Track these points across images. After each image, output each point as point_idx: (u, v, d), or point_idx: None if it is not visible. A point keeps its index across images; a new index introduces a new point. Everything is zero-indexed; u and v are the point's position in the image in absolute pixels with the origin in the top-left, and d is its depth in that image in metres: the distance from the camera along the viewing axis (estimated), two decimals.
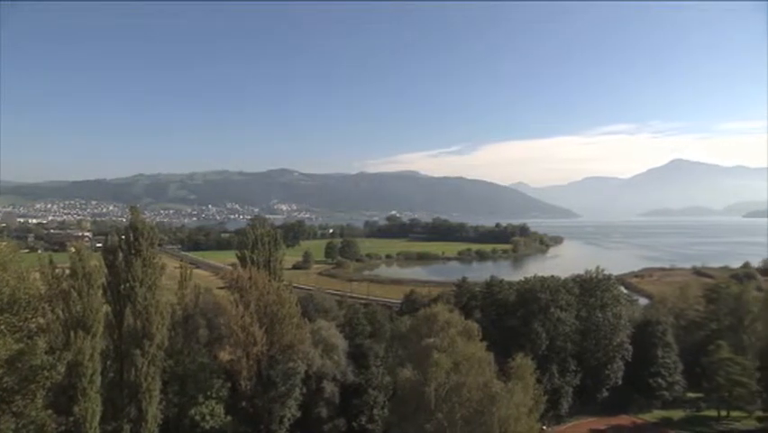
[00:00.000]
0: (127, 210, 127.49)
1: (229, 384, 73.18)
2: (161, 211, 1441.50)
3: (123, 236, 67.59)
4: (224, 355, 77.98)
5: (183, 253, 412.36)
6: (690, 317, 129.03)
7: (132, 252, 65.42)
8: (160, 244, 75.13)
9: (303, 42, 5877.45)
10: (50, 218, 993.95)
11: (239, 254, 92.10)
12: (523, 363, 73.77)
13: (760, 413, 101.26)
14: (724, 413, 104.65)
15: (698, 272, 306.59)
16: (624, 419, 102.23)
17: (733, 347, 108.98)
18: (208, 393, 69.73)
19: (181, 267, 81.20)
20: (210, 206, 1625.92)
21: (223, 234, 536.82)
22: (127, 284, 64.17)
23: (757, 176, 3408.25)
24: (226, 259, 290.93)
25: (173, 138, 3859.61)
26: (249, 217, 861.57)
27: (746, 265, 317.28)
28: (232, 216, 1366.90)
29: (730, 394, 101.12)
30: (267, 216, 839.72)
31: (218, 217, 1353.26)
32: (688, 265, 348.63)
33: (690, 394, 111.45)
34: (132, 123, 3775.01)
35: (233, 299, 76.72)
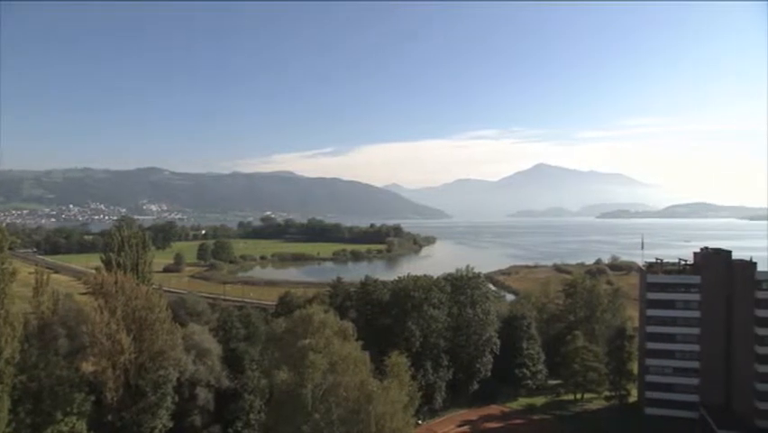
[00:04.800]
0: None
1: (93, 398, 68.23)
2: (14, 211, 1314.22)
3: None
4: (88, 366, 72.85)
5: (39, 256, 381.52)
6: (552, 310, 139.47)
7: None
8: (10, 248, 68.34)
9: (172, 40, 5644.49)
10: None
11: (104, 257, 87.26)
12: (398, 360, 75.81)
13: (607, 393, 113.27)
14: (579, 396, 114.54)
15: (558, 269, 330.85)
16: (493, 409, 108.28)
17: (587, 336, 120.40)
18: (68, 409, 64.56)
19: (37, 272, 75.05)
20: (71, 206, 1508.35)
21: (86, 237, 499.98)
22: None
23: (608, 180, 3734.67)
24: (90, 262, 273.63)
25: (26, 132, 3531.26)
26: (115, 218, 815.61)
27: (599, 261, 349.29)
28: (96, 217, 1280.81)
29: (584, 378, 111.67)
30: (135, 217, 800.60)
31: (81, 218, 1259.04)
32: (549, 262, 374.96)
33: (552, 381, 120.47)
34: None
35: (98, 306, 71.73)
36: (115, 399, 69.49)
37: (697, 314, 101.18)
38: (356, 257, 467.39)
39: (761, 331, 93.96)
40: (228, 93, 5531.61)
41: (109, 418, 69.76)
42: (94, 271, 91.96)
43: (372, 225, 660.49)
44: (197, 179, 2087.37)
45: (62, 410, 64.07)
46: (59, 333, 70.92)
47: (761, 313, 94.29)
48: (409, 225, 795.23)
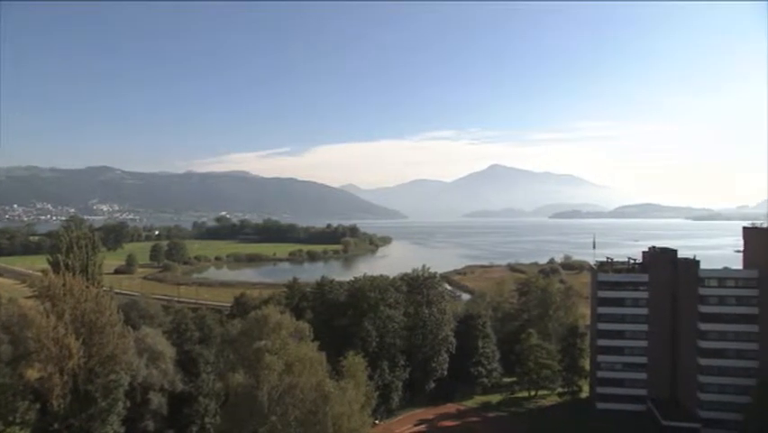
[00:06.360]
0: None
1: (38, 405, 65.85)
2: None
3: None
4: (33, 373, 70.11)
5: None
6: (506, 309, 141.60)
7: None
8: None
9: (125, 38, 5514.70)
10: None
11: (51, 259, 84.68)
12: (354, 361, 76.06)
13: (560, 389, 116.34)
14: (533, 393, 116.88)
15: (512, 268, 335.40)
16: (449, 408, 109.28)
17: (541, 334, 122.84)
18: (10, 418, 62.07)
19: None
20: (15, 205, 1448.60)
21: (31, 238, 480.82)
22: None
23: (561, 181, 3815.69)
24: (36, 264, 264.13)
25: None
26: (63, 219, 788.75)
27: (552, 261, 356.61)
28: (42, 218, 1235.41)
29: (538, 376, 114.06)
30: (85, 218, 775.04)
31: (26, 218, 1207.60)
32: (504, 262, 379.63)
33: (507, 379, 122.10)
34: None
35: (44, 309, 69.29)
36: (63, 406, 67.17)
37: (645, 311, 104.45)
38: (312, 257, 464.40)
39: (703, 326, 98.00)
40: (182, 92, 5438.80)
41: (56, 426, 67.35)
42: (40, 274, 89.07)
43: (329, 226, 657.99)
44: (150, 179, 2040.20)
45: (4, 420, 61.80)
46: (1, 339, 68.24)
47: (703, 309, 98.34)
48: (366, 225, 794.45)
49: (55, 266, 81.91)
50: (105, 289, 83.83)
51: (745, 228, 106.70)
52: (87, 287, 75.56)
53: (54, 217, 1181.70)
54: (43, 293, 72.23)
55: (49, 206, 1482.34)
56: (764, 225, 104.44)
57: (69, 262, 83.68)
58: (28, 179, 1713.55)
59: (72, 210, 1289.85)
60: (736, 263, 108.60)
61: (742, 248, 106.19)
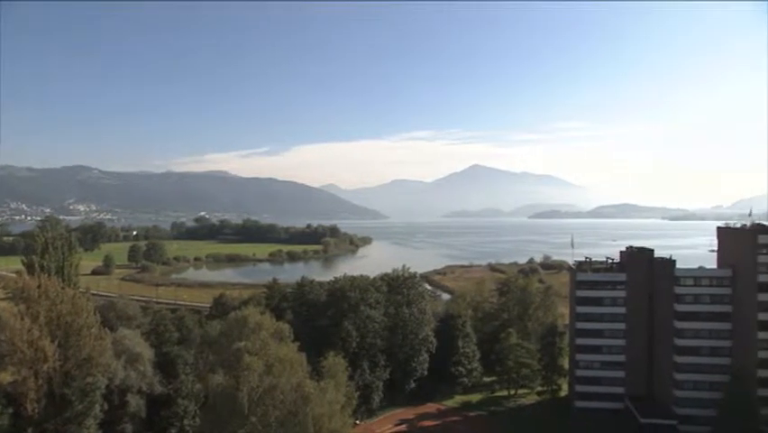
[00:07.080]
0: None
1: (11, 410, 64.70)
2: None
3: None
4: (6, 377, 69.05)
5: None
6: (486, 309, 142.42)
7: None
8: None
9: (101, 36, 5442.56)
10: None
11: (25, 260, 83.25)
12: (335, 361, 76.07)
13: (540, 388, 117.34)
14: (513, 392, 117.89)
15: (492, 268, 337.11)
16: (430, 407, 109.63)
17: (520, 334, 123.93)
18: None
19: None
20: None
21: (5, 238, 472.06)
22: None
23: (540, 182, 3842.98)
24: (9, 266, 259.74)
25: None
26: (39, 219, 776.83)
27: (531, 261, 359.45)
28: (17, 218, 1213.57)
29: (518, 375, 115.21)
30: (61, 218, 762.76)
31: None
32: (484, 262, 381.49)
33: (487, 378, 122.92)
34: None
35: (18, 312, 68.26)
36: (37, 410, 66.11)
37: (623, 310, 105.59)
38: (292, 258, 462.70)
39: (679, 324, 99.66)
40: (160, 92, 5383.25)
41: (30, 431, 66.26)
42: (14, 275, 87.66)
43: (309, 226, 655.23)
44: (128, 179, 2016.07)
45: None
46: None
47: (679, 307, 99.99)
48: (346, 225, 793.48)
49: (30, 267, 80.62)
50: (81, 290, 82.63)
51: (719, 228, 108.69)
52: (63, 288, 74.68)
53: (29, 218, 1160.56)
54: (17, 295, 71.27)
55: (24, 206, 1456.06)
56: (738, 225, 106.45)
57: (45, 264, 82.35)
58: (3, 178, 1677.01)
59: (48, 210, 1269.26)
60: (711, 263, 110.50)
61: (716, 247, 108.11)
